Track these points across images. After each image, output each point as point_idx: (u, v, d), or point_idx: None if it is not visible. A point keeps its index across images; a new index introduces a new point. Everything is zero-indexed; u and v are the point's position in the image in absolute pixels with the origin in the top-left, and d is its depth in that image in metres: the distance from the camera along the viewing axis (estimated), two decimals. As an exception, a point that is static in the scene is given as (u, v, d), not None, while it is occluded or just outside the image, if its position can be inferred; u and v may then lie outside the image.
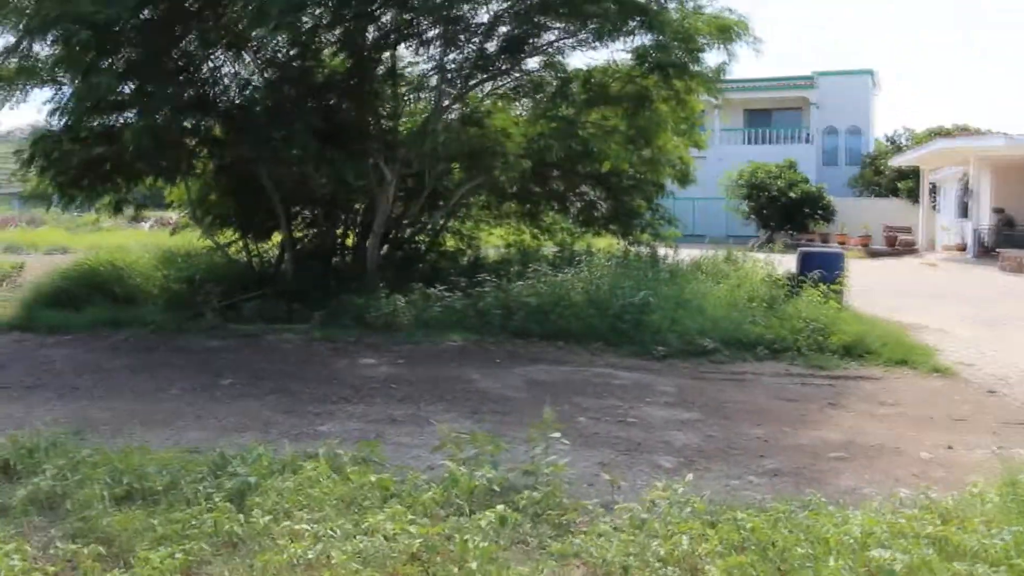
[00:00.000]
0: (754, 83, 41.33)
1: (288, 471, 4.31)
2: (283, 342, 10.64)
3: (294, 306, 12.77)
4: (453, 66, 12.63)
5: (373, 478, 4.13)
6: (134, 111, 11.25)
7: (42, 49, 11.39)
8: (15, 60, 11.77)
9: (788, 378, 8.70)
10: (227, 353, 9.78)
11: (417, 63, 13.43)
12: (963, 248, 29.78)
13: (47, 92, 12.20)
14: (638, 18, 12.21)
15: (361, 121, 11.88)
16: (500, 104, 15.38)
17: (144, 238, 23.50)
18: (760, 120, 44.85)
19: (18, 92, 12.40)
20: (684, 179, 18.27)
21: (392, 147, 12.81)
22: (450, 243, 17.28)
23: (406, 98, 13.27)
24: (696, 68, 13.52)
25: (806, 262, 12.36)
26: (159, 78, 10.66)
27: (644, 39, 12.93)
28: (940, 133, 37.89)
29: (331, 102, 11.95)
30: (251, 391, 7.58)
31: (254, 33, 9.78)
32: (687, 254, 17.52)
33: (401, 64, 13.88)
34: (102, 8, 9.51)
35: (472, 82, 13.17)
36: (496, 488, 4.08)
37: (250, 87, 12.47)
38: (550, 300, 11.25)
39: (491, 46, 12.68)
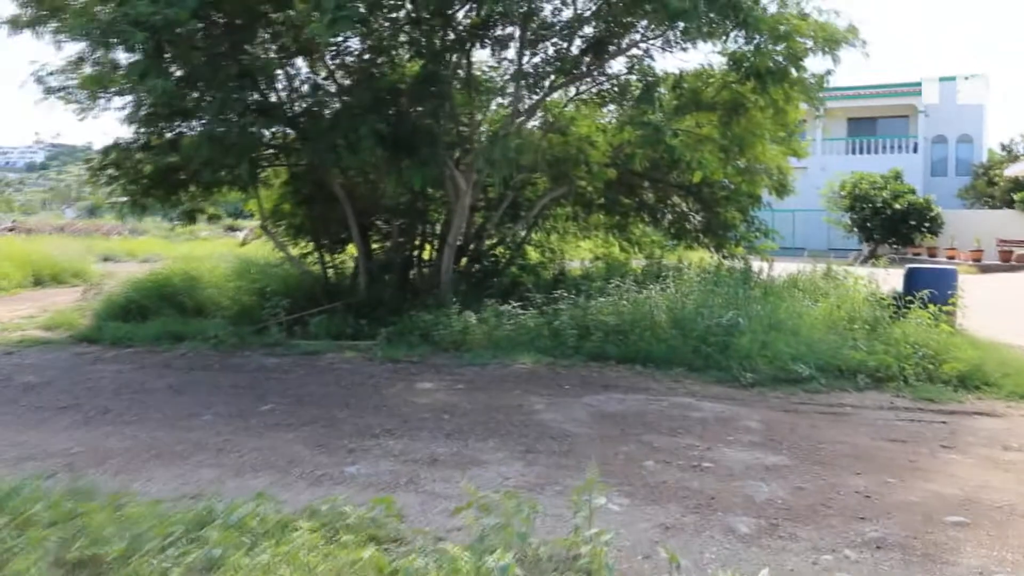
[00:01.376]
0: (857, 90, 39.69)
1: (273, 537, 3.61)
2: (342, 361, 10.06)
3: (362, 322, 12.24)
4: (531, 69, 11.88)
5: (367, 553, 3.39)
6: (201, 119, 10.88)
7: (112, 56, 11.12)
8: (88, 68, 11.54)
9: (893, 412, 7.70)
10: (279, 373, 9.22)
11: (498, 67, 12.75)
12: (1086, 263, 27.83)
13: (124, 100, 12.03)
14: (731, 16, 11.31)
15: (433, 127, 11.23)
16: (584, 110, 14.64)
17: (234, 247, 23.56)
18: (864, 129, 43.07)
19: (94, 101, 12.20)
20: (782, 190, 17.18)
21: (466, 155, 12.18)
22: (533, 256, 16.55)
23: (483, 103, 12.58)
24: (796, 75, 12.55)
25: (914, 280, 11.23)
26: (221, 84, 10.20)
27: (739, 41, 12.05)
28: (1060, 141, 35.70)
29: (401, 108, 11.33)
30: (289, 419, 6.96)
31: (317, 38, 9.17)
32: (784, 268, 16.41)
33: (479, 68, 13.27)
34: (160, 9, 9.07)
35: (552, 86, 12.40)
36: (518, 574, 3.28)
37: (318, 91, 11.96)
38: (630, 320, 10.44)
39: (573, 47, 11.91)
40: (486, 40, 11.21)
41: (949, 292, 10.74)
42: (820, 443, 6.45)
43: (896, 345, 9.38)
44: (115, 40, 9.36)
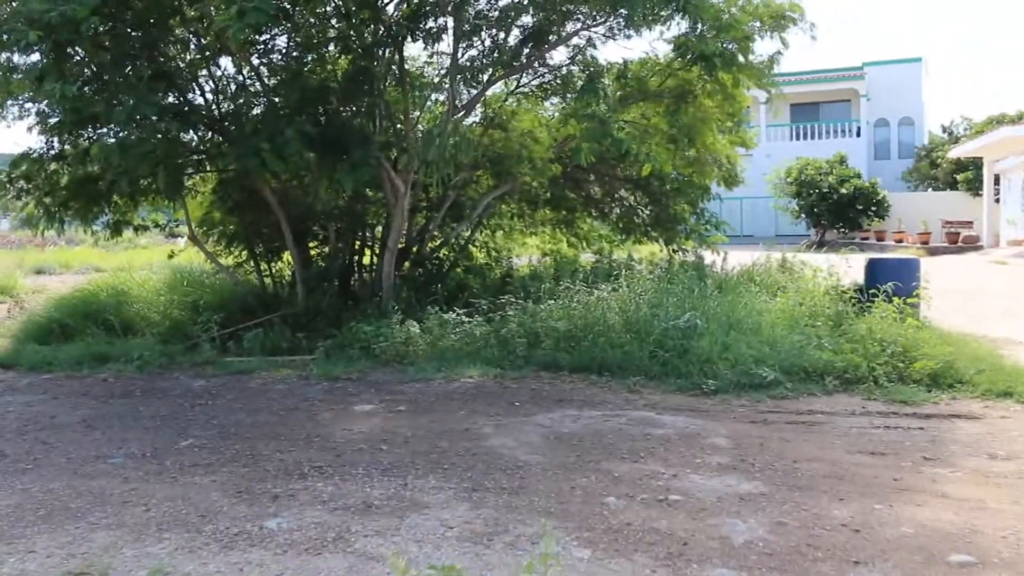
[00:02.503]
0: (800, 76, 39.55)
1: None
2: (276, 381, 9.32)
3: (300, 335, 11.51)
4: (467, 62, 11.21)
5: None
6: (112, 126, 10.05)
7: (10, 58, 10.24)
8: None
9: (867, 419, 7.18)
10: (206, 398, 8.45)
11: (432, 61, 12.07)
12: (1032, 243, 27.90)
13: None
14: (674, 2, 10.76)
15: (365, 127, 10.51)
16: (526, 104, 14.02)
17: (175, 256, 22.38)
18: (807, 114, 43.08)
19: (2, 108, 11.35)
20: (731, 180, 16.76)
21: (403, 155, 11.48)
22: (479, 257, 15.90)
23: (419, 100, 11.86)
24: (744, 59, 12.06)
25: (876, 271, 10.76)
26: (133, 86, 9.38)
27: (683, 27, 11.52)
28: (1002, 121, 35.87)
29: (331, 107, 10.60)
30: (209, 457, 6.22)
31: (229, 33, 8.39)
32: (736, 259, 15.99)
33: (413, 63, 12.57)
34: (57, 5, 8.25)
35: (490, 79, 11.75)
36: None
37: (243, 92, 11.17)
38: (582, 324, 9.84)
39: (511, 38, 11.27)
40: (418, 33, 10.50)
41: (913, 284, 10.29)
42: (795, 462, 5.88)
43: (863, 343, 8.90)
44: (8, 40, 8.51)
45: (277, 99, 10.50)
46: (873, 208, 35.29)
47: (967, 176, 36.18)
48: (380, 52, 10.79)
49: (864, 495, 5.18)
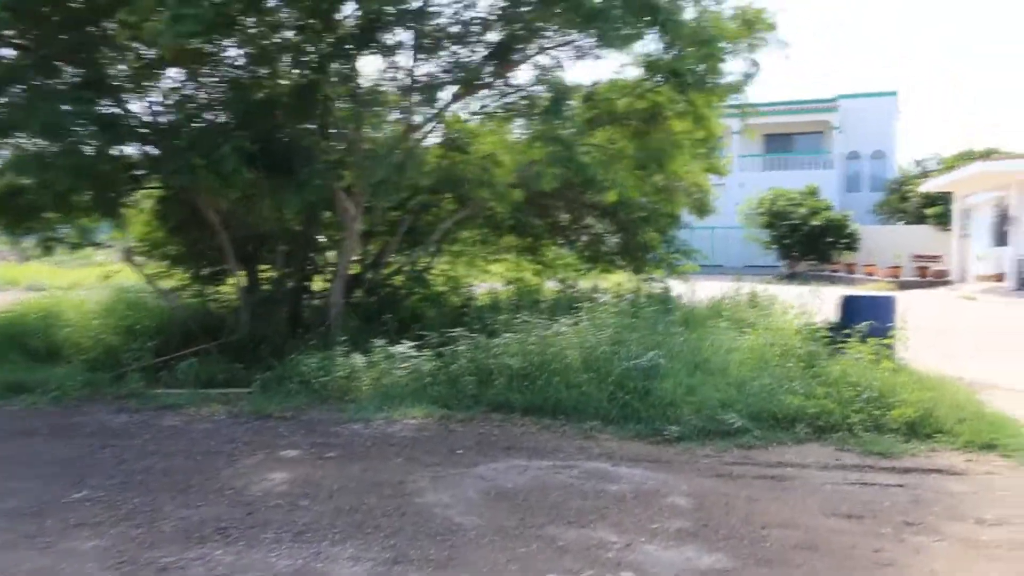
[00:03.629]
0: (774, 106, 39.32)
1: None
2: (202, 419, 8.55)
3: (238, 365, 10.76)
4: (426, 79, 10.54)
5: None
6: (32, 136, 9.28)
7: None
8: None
9: (841, 473, 6.55)
10: (122, 438, 7.67)
11: (390, 77, 11.36)
12: (1000, 278, 27.65)
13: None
14: (650, 19, 10.20)
15: (312, 145, 9.82)
16: (490, 126, 13.37)
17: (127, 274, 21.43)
18: (780, 145, 42.92)
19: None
20: (702, 209, 16.22)
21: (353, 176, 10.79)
22: (438, 285, 15.18)
23: (373, 118, 11.17)
24: (716, 78, 11.55)
25: (850, 309, 10.20)
26: (54, 93, 8.66)
27: (658, 47, 10.99)
28: (971, 157, 35.79)
29: (278, 123, 9.90)
30: (101, 514, 5.47)
31: (160, 40, 7.71)
32: (706, 290, 15.40)
33: (369, 78, 11.89)
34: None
35: (452, 98, 11.10)
36: None
37: (185, 104, 10.44)
38: (538, 361, 9.15)
39: (474, 54, 10.61)
40: (373, 45, 9.83)
41: (888, 323, 9.74)
42: (763, 527, 5.23)
43: (836, 387, 8.29)
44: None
45: (217, 113, 9.78)
46: (844, 241, 35.02)
47: (937, 210, 36.02)
48: (331, 65, 10.11)
49: (841, 570, 4.54)
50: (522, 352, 9.44)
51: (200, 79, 10.26)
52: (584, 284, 16.58)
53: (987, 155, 32.87)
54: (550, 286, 16.68)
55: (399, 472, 6.47)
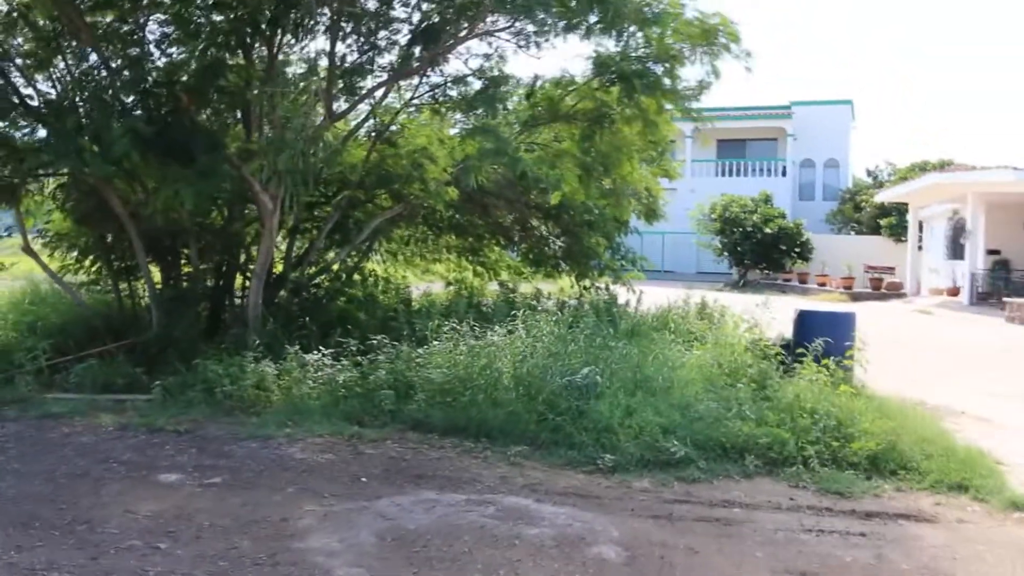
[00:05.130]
0: (727, 111, 38.75)
1: None
2: (86, 430, 7.60)
3: (139, 370, 9.76)
4: (348, 63, 9.61)
5: None
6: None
7: None
8: None
9: (796, 516, 5.75)
10: (-19, 456, 6.71)
11: (308, 60, 10.41)
12: (954, 292, 27.25)
13: None
14: (596, 9, 9.40)
15: (217, 131, 8.86)
16: (425, 120, 12.46)
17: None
18: (733, 151, 42.36)
19: None
20: (652, 214, 15.46)
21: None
22: (369, 286, 14.22)
23: (291, 106, 10.18)
24: (669, 83, 10.76)
25: (806, 325, 9.44)
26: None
27: (606, 42, 10.20)
28: (924, 168, 35.56)
29: (180, 106, 8.91)
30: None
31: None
32: (654, 297, 14.64)
33: (289, 61, 10.91)
34: None
35: (377, 86, 10.18)
36: None
37: (82, 81, 9.40)
38: (464, 375, 8.28)
39: (399, 37, 9.71)
40: (286, 25, 8.87)
41: (847, 342, 8.98)
42: (705, 591, 4.41)
43: (790, 413, 7.51)
44: None
45: (113, 93, 8.77)
46: (797, 249, 34.55)
47: (890, 221, 35.70)
48: (239, 43, 9.13)
49: (796, 657, 3.73)
50: (448, 364, 8.57)
51: (99, 55, 9.22)
52: (527, 288, 15.82)
53: (942, 166, 32.61)
54: (493, 289, 15.90)
55: (286, 506, 5.55)
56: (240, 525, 5.16)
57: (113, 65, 9.42)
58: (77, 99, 9.07)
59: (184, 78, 9.10)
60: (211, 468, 6.42)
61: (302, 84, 9.28)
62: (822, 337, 8.74)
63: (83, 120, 8.21)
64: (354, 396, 8.30)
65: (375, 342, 9.25)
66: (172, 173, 8.37)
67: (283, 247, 13.00)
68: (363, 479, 6.23)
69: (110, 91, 9.04)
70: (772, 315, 10.88)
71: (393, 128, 11.76)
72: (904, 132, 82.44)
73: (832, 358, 8.42)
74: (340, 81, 9.68)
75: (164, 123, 8.49)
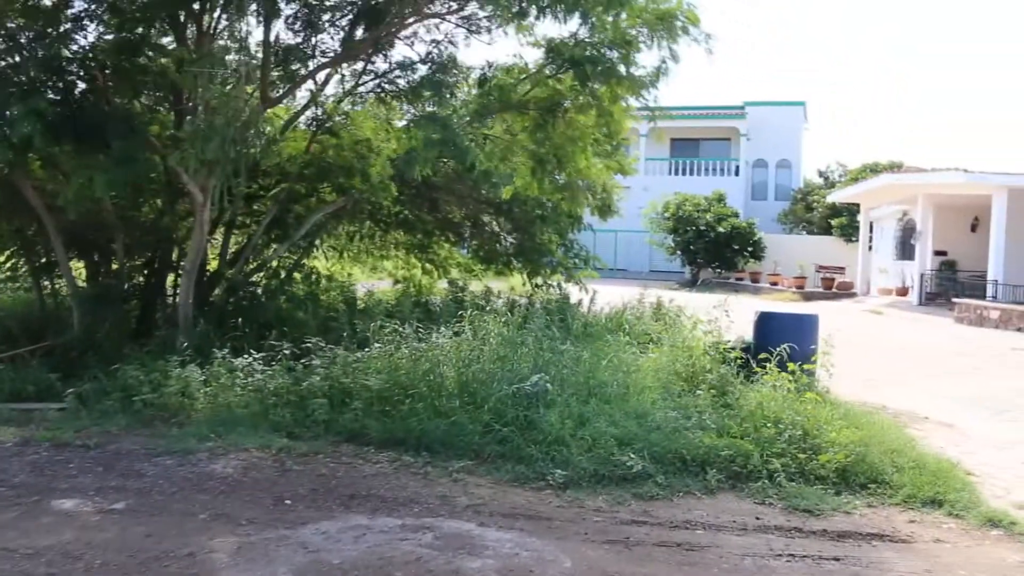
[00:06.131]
0: (682, 110, 38.46)
1: None
2: (-18, 445, 6.90)
3: (53, 375, 9.01)
4: (284, 44, 8.94)
5: None
6: None
7: None
8: None
9: (764, 538, 5.24)
10: None
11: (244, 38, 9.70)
12: (903, 292, 27.23)
13: None
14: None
15: (132, 115, 8.15)
16: (366, 109, 11.80)
17: None
18: (687, 150, 42.13)
19: None
20: (606, 210, 14.96)
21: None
22: (308, 285, 13.51)
23: (220, 89, 9.48)
24: (624, 71, 10.24)
25: (767, 329, 8.97)
26: None
27: (561, 26, 9.67)
28: (875, 169, 35.56)
29: (97, 86, 8.20)
30: None
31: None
32: (607, 296, 14.17)
33: (227, 44, 10.20)
34: None
35: (315, 69, 9.52)
36: None
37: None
38: (405, 381, 7.68)
39: (342, 19, 9.05)
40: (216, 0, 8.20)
41: (811, 346, 8.53)
42: (667, 634, 3.87)
43: (753, 421, 7.02)
44: None
45: (17, 70, 8.02)
46: (749, 249, 34.37)
47: (841, 221, 35.66)
48: (171, 21, 8.43)
49: None
50: (388, 368, 7.97)
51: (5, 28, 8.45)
52: (477, 286, 15.28)
53: (893, 167, 32.60)
54: (442, 287, 15.33)
55: (197, 536, 4.91)
56: (139, 563, 4.51)
57: (22, 40, 8.64)
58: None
59: (99, 56, 8.36)
60: (116, 490, 5.75)
61: (233, 66, 8.54)
62: (784, 340, 8.26)
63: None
64: (285, 404, 7.65)
65: (310, 345, 8.62)
66: (84, 160, 7.65)
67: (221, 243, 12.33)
68: (287, 501, 5.60)
69: (18, 68, 8.25)
70: (729, 315, 10.40)
71: (337, 118, 11.10)
72: (856, 137, 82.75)
73: (795, 363, 7.94)
74: (276, 64, 8.99)
75: (78, 105, 7.77)
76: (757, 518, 5.62)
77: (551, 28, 12.24)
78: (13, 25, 8.24)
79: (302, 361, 8.41)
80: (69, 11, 8.79)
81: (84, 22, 8.85)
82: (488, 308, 11.41)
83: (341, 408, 7.49)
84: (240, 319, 10.16)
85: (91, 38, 8.61)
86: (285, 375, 8.11)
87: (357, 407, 7.42)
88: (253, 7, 8.17)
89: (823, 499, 5.94)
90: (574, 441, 6.64)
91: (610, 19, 9.82)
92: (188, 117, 9.12)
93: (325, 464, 6.47)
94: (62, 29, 8.26)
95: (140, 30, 8.16)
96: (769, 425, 6.86)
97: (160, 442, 6.97)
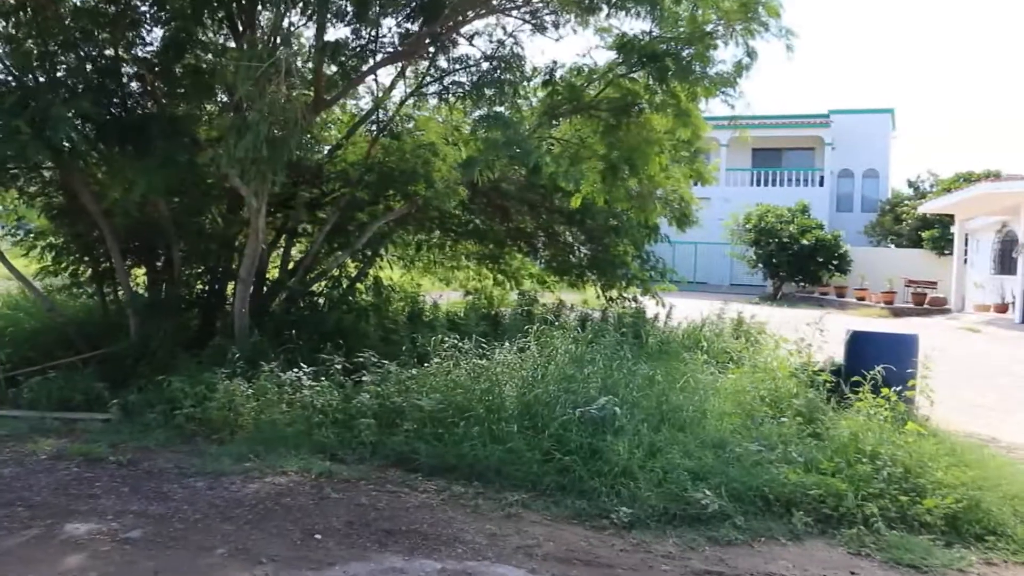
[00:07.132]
0: (763, 120, 37.40)
1: None
2: (16, 458, 6.54)
3: (100, 384, 8.67)
4: (338, 40, 8.43)
5: None
6: None
7: None
8: None
9: (860, 598, 4.51)
10: None
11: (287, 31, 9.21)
12: (1002, 308, 25.70)
13: None
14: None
15: (180, 115, 7.72)
16: (431, 112, 11.29)
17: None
18: (769, 160, 40.93)
19: None
20: (684, 221, 14.15)
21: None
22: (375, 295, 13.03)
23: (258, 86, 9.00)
24: (700, 68, 9.55)
25: (861, 349, 8.15)
26: None
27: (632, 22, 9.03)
28: (970, 178, 33.93)
29: (146, 86, 7.81)
30: None
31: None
32: (685, 310, 13.42)
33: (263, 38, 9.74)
34: None
35: (374, 66, 9.02)
36: None
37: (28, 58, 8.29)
38: (461, 402, 7.08)
39: (397, 13, 8.52)
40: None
41: (909, 369, 7.68)
42: None
43: (845, 455, 6.23)
44: None
45: (57, 71, 7.66)
46: (835, 262, 33.01)
47: (932, 233, 34.09)
48: (228, 18, 7.99)
49: None
50: (444, 387, 7.39)
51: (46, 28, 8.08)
52: (549, 299, 14.72)
53: (991, 176, 31.01)
54: (514, 299, 14.80)
55: (216, 572, 4.38)
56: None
57: (79, 43, 8.30)
58: (27, 78, 7.92)
59: (149, 57, 7.97)
60: (136, 515, 5.26)
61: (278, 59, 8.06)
62: (880, 363, 7.45)
63: (28, 101, 7.06)
64: (332, 423, 7.12)
65: (363, 359, 8.09)
66: (126, 162, 7.25)
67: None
68: (317, 536, 5.03)
69: (72, 71, 7.89)
70: (818, 333, 9.57)
71: (399, 120, 10.60)
72: (948, 148, 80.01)
73: (892, 388, 7.12)
74: (331, 61, 8.50)
75: (124, 107, 7.38)
76: (852, 573, 4.87)
77: (624, 23, 11.57)
78: (79, 34, 7.87)
79: (353, 376, 7.88)
80: (130, 15, 8.50)
81: (142, 26, 8.52)
82: (558, 322, 10.78)
83: (391, 429, 6.93)
84: (296, 330, 9.69)
85: (146, 38, 8.22)
86: (334, 391, 7.59)
87: (408, 429, 6.85)
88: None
89: (931, 552, 5.13)
90: (642, 473, 5.95)
91: (685, 13, 9.17)
92: (229, 115, 8.69)
93: (366, 492, 5.90)
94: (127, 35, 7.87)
95: (189, 28, 7.73)
96: (865, 460, 6.07)
97: (195, 461, 6.51)
